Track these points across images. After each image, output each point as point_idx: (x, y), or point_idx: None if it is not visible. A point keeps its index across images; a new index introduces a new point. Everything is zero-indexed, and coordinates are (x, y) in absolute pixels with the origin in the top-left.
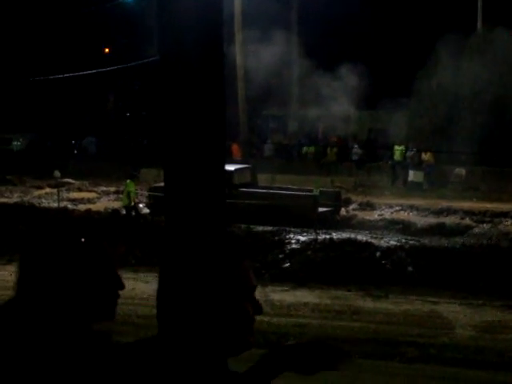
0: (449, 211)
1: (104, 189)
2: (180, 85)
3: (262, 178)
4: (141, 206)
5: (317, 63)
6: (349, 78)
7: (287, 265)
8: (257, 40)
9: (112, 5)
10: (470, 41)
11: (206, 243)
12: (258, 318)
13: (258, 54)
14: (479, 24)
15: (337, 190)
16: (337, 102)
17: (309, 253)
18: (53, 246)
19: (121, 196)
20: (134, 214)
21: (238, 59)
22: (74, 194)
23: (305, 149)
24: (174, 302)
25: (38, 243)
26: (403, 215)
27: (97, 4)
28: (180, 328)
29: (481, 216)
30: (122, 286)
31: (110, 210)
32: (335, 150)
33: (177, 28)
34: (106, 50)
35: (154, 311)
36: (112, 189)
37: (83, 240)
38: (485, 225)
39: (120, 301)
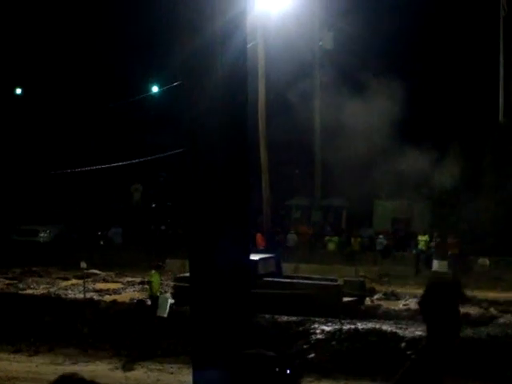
0: (473, 301)
1: (129, 279)
2: (205, 175)
3: (286, 268)
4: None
5: (338, 152)
6: (370, 170)
7: (312, 355)
8: (279, 133)
9: (137, 98)
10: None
11: (232, 333)
12: None
13: (281, 147)
14: (500, 117)
15: (361, 279)
16: (360, 192)
17: (334, 343)
18: None
19: (146, 286)
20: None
21: (262, 151)
22: (100, 285)
23: (328, 238)
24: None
25: None
26: None
27: (123, 98)
28: None
29: (506, 306)
30: None
31: (135, 301)
32: (359, 239)
33: (202, 120)
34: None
35: None
36: (137, 279)
37: None
38: (510, 315)
39: None
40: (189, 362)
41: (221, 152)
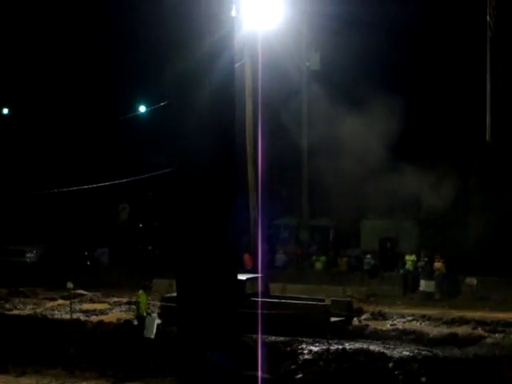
0: (461, 321)
1: (116, 299)
2: (194, 192)
3: (274, 288)
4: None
5: (326, 171)
6: (358, 189)
7: (300, 376)
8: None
9: (125, 118)
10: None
11: (219, 353)
12: None
13: (269, 166)
14: (487, 137)
15: (348, 299)
16: (348, 211)
17: (321, 363)
18: None
19: (133, 307)
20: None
21: (249, 170)
22: (87, 306)
23: (315, 258)
24: None
25: None
26: (415, 325)
27: (110, 118)
28: None
29: (493, 326)
30: None
31: (121, 321)
32: (346, 259)
33: (191, 137)
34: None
35: None
36: (124, 299)
37: None
38: (497, 335)
39: None
40: (176, 382)
41: (209, 170)
